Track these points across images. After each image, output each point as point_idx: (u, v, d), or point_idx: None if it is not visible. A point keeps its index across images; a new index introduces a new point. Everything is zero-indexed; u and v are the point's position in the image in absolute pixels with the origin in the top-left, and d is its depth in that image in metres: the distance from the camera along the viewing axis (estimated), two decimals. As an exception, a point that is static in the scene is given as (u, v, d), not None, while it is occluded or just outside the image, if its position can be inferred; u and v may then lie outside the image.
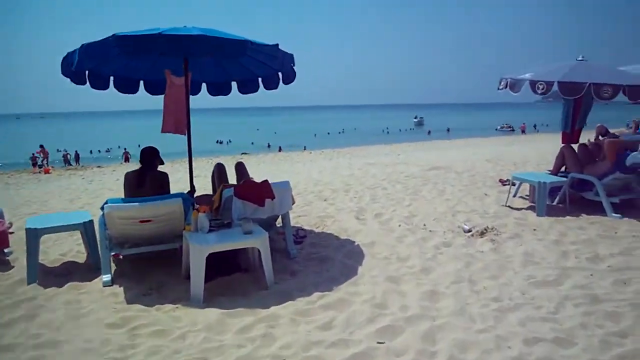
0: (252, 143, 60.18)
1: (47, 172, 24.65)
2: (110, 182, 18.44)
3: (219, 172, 7.37)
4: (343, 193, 10.97)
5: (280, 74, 7.68)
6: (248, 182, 6.27)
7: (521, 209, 8.79)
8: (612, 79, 8.45)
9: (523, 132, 62.48)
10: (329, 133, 78.35)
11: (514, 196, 9.75)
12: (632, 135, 14.87)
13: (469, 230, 7.46)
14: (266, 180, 6.13)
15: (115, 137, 75.07)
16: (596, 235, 7.10)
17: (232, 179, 7.26)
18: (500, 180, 11.62)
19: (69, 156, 43.46)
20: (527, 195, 9.69)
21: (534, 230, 7.45)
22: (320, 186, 12.16)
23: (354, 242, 7.13)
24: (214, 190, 7.27)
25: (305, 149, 42.97)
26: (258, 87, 8.27)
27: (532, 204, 8.99)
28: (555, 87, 8.43)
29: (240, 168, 7.40)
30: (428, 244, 6.90)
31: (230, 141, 63.83)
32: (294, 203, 6.80)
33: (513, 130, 69.97)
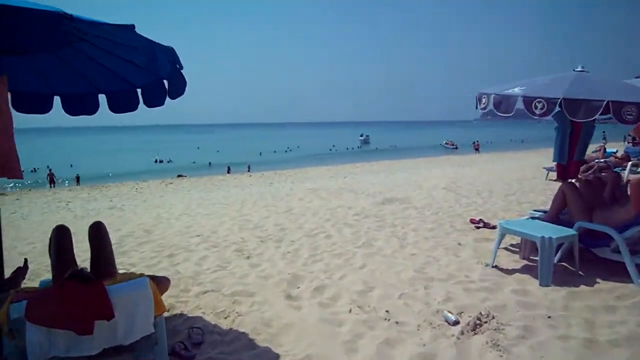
0: (194, 162, 56.59)
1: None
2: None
3: (57, 242, 4.48)
4: (274, 244, 8.13)
5: (165, 83, 4.88)
6: (65, 285, 3.31)
7: (514, 271, 6.28)
8: (631, 96, 6.13)
9: (477, 150, 60.39)
10: (275, 151, 75.51)
11: (497, 247, 7.30)
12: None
13: (456, 322, 4.82)
14: (99, 283, 3.25)
15: (46, 156, 69.16)
16: (637, 324, 4.66)
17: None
18: (472, 221, 9.17)
19: None
20: (512, 246, 7.28)
21: (548, 317, 4.90)
22: (246, 232, 9.29)
23: (277, 355, 4.33)
24: (55, 276, 4.39)
25: (249, 170, 40.07)
26: (137, 102, 5.40)
27: (526, 262, 6.56)
28: (556, 107, 6.07)
29: (93, 234, 4.55)
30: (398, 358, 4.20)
31: (170, 160, 59.76)
32: (164, 311, 3.92)
33: (456, 148, 69.64)
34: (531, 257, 6.77)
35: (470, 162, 33.09)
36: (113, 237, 9.91)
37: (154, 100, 5.20)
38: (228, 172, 39.04)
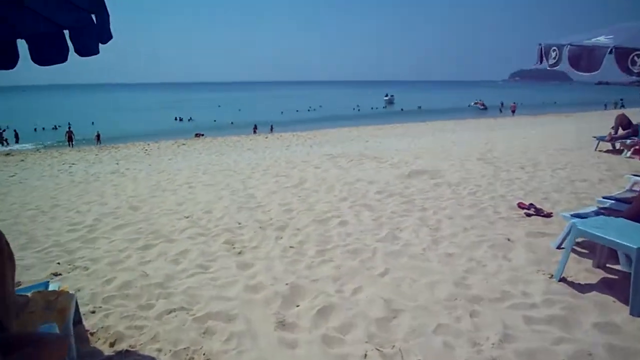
0: (215, 121, 54.99)
1: None
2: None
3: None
4: (275, 233, 6.51)
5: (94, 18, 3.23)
6: None
7: (589, 287, 4.57)
8: None
9: (513, 112, 55.52)
10: (297, 110, 73.25)
11: (558, 247, 5.59)
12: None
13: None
14: None
15: (68, 113, 68.44)
16: None
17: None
18: (521, 206, 7.41)
19: (3, 134, 37.34)
20: (577, 245, 5.57)
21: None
22: (245, 213, 7.68)
23: None
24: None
25: (272, 130, 38.10)
26: (67, 50, 3.75)
27: (602, 273, 4.86)
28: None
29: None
30: None
31: (191, 119, 58.30)
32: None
33: (486, 108, 66.27)
34: (608, 265, 5.07)
35: (502, 125, 30.66)
36: (94, 213, 8.74)
37: (88, 45, 3.55)
38: (254, 132, 37.21)
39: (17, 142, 37.79)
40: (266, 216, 7.40)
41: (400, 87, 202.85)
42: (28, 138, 39.39)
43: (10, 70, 4.01)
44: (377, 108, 76.61)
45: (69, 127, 39.50)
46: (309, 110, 74.61)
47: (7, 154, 21.92)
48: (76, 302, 3.96)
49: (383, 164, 12.77)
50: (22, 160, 19.55)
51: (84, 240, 6.49)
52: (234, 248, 5.95)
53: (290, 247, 5.91)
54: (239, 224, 7.01)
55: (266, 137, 27.21)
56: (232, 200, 8.73)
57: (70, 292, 3.90)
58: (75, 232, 6.94)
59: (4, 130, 38.97)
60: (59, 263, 5.60)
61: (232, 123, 51.56)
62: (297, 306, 4.39)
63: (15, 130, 39.43)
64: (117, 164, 17.68)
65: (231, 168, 14.51)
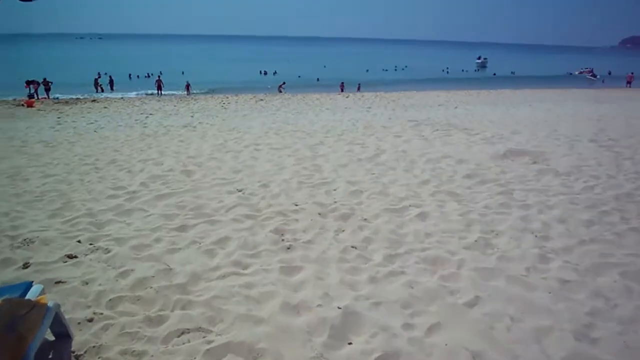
0: (299, 76, 53.87)
1: (29, 104, 19.96)
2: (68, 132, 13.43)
3: None
4: (336, 224, 5.23)
5: None
6: None
7: None
8: None
9: (629, 84, 44.61)
10: (385, 69, 70.27)
11: None
12: None
13: None
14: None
15: (158, 63, 70.23)
16: None
17: None
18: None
19: (99, 81, 38.51)
20: None
21: None
22: (306, 191, 6.47)
23: None
24: None
25: (359, 89, 36.02)
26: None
27: None
28: None
29: None
30: None
31: (275, 72, 57.61)
32: None
33: (595, 77, 59.43)
34: None
35: (614, 99, 26.87)
36: (145, 175, 7.98)
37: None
38: (342, 90, 35.55)
39: (111, 89, 38.87)
40: (329, 198, 6.17)
41: (492, 49, 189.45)
42: (122, 86, 40.47)
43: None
44: (467, 71, 71.86)
45: (159, 76, 40.09)
46: (395, 70, 71.48)
47: (94, 101, 22.20)
48: (60, 314, 3.01)
49: (474, 138, 11.04)
50: (105, 108, 19.64)
51: (119, 212, 5.64)
52: (282, 240, 4.81)
53: (352, 247, 4.66)
54: (296, 205, 5.84)
55: (347, 97, 25.64)
56: (294, 172, 7.59)
57: (50, 304, 2.93)
58: (114, 200, 6.13)
59: (99, 77, 40.16)
60: (79, 241, 4.75)
61: (318, 80, 50.05)
62: (349, 344, 3.18)
63: (110, 77, 40.49)
64: (192, 116, 17.16)
65: (305, 129, 13.37)
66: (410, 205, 5.85)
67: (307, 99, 23.96)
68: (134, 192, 6.47)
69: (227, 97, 23.86)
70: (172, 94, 31.94)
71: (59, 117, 16.74)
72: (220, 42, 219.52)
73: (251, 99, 23.39)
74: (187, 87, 35.67)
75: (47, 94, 27.78)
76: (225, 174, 7.54)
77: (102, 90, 37.50)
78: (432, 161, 8.29)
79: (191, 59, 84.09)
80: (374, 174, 7.43)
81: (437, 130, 12.67)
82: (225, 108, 19.80)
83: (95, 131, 13.73)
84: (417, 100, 23.79)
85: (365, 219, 5.38)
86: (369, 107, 20.32)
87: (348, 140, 10.95)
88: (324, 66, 72.65)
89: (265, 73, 57.86)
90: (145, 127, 14.51)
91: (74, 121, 15.94)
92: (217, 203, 5.94)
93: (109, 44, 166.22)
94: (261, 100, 22.92)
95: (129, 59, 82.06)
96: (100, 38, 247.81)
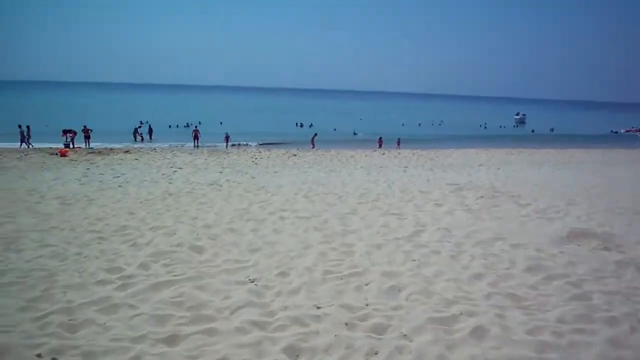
0: (335, 129, 53.62)
1: (63, 154, 19.78)
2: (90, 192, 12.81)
3: None
4: (366, 343, 3.96)
5: None
6: None
7: None
8: None
9: None
10: (420, 124, 69.56)
11: None
12: None
13: None
14: None
15: (194, 113, 71.58)
16: None
17: None
18: None
19: (139, 130, 38.83)
20: None
21: None
22: (331, 285, 5.28)
23: None
24: None
25: (399, 145, 34.19)
26: None
27: None
28: None
29: None
30: None
31: (311, 125, 57.63)
32: None
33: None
34: None
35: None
36: (149, 250, 6.65)
37: None
38: (380, 146, 34.09)
39: (150, 138, 39.10)
40: (360, 297, 4.97)
41: (529, 105, 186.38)
42: (161, 135, 40.74)
43: None
44: (505, 127, 70.26)
45: (196, 127, 40.33)
46: (432, 125, 70.64)
47: (126, 152, 21.93)
48: None
49: (525, 210, 9.72)
50: (136, 160, 19.23)
51: (102, 307, 4.60)
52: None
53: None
54: (318, 309, 4.66)
55: (383, 154, 24.57)
56: (320, 254, 6.46)
57: None
58: (102, 287, 5.12)
59: (140, 127, 40.59)
60: (39, 355, 3.70)
61: (355, 134, 49.22)
62: None
63: (150, 127, 40.88)
64: (221, 172, 16.41)
65: (337, 191, 12.34)
66: (461, 313, 4.59)
67: (341, 155, 23.07)
68: (129, 276, 5.45)
69: (260, 152, 23.23)
70: (214, 146, 31.06)
71: (88, 169, 16.31)
72: (259, 94, 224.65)
73: (284, 154, 22.66)
74: (227, 138, 34.82)
75: (87, 142, 27.95)
76: (240, 253, 6.48)
77: (142, 139, 37.81)
78: (483, 244, 7.02)
79: (229, 109, 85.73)
80: (414, 260, 6.21)
81: (482, 197, 11.41)
82: (256, 164, 19.07)
83: (119, 186, 13.08)
84: (456, 159, 22.55)
85: (404, 335, 4.15)
86: (406, 167, 19.20)
87: (383, 208, 9.83)
88: (360, 119, 72.73)
89: (302, 125, 57.97)
90: (170, 183, 13.79)
91: (101, 174, 15.44)
92: (222, 300, 4.84)
93: (150, 93, 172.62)
94: (294, 155, 22.17)
95: (170, 108, 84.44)
96: (141, 86, 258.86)
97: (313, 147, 31.99)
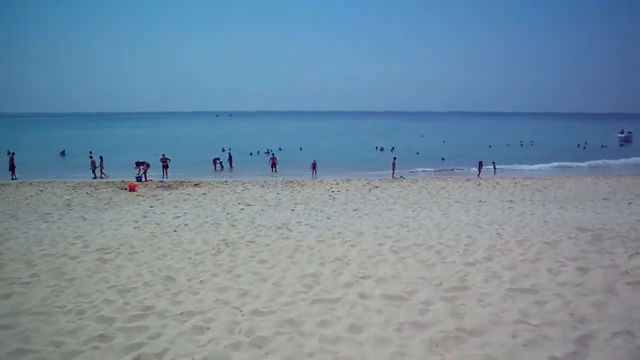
0: (417, 153, 50.13)
1: (131, 189, 18.53)
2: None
3: None
4: None
5: None
6: None
7: None
8: None
9: None
10: (508, 145, 63.91)
11: None
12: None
13: None
14: None
15: (275, 138, 70.86)
16: None
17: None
18: None
19: (218, 160, 37.73)
20: None
21: None
22: None
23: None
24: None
25: (495, 170, 30.51)
26: None
27: None
28: None
29: None
30: None
31: (393, 149, 54.53)
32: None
33: None
34: None
35: None
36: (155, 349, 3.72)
37: None
38: (479, 172, 29.60)
39: (231, 166, 37.93)
40: None
41: (633, 121, 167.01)
42: (241, 163, 39.57)
43: None
44: (607, 147, 62.54)
45: (273, 154, 38.86)
46: (521, 145, 64.67)
47: (196, 185, 20.30)
48: None
49: None
50: (204, 194, 17.48)
51: None
52: None
53: None
54: None
55: (479, 184, 21.05)
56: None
57: None
58: None
59: (219, 157, 39.61)
60: None
61: (443, 159, 44.17)
62: None
63: (230, 154, 39.80)
64: (293, 210, 14.10)
65: (432, 242, 9.54)
66: None
67: (430, 186, 19.91)
68: None
69: (337, 183, 20.64)
70: (295, 177, 27.48)
71: (151, 207, 14.73)
72: (332, 118, 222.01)
73: (364, 185, 19.94)
74: (314, 166, 30.07)
75: (165, 172, 27.09)
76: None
77: (222, 168, 36.77)
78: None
79: (309, 135, 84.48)
80: None
81: (638, 253, 8.11)
82: (333, 198, 16.59)
83: (175, 231, 11.17)
84: (570, 191, 18.64)
85: None
86: (511, 202, 15.80)
87: (505, 277, 6.92)
88: (443, 142, 68.32)
89: (382, 149, 54.96)
90: (233, 225, 11.67)
91: (162, 213, 13.72)
92: None
93: (236, 120, 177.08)
94: (376, 187, 19.38)
95: (254, 135, 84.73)
96: (230, 115, 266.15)
97: (393, 173, 28.91)
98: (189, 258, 8.53)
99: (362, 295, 6.24)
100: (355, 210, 13.99)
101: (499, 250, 8.90)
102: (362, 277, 7.15)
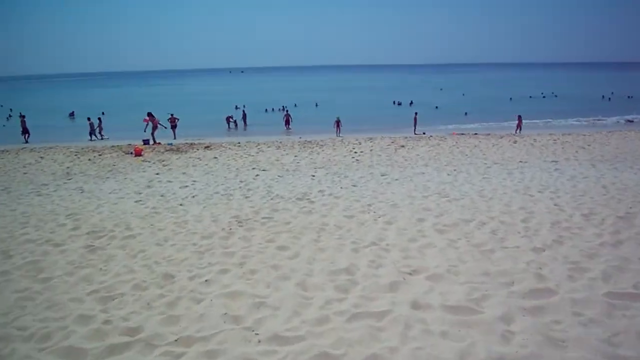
0: (437, 107, 47.62)
1: (137, 153, 16.93)
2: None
3: None
4: None
5: None
6: None
7: None
8: None
9: None
10: (530, 97, 60.49)
11: None
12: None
13: None
14: None
15: (287, 94, 68.20)
16: None
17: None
18: None
19: (231, 118, 35.85)
20: None
21: None
22: None
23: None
24: None
25: (520, 127, 26.55)
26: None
27: None
28: None
29: None
30: None
31: (412, 103, 51.90)
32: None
33: None
34: None
35: None
36: None
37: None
38: (519, 129, 25.19)
39: (245, 124, 36.05)
40: None
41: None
42: (256, 120, 37.53)
43: None
44: (632, 97, 58.62)
45: (287, 110, 36.83)
46: (543, 97, 61.08)
47: (207, 147, 18.50)
48: None
49: None
50: (215, 158, 15.75)
51: None
52: None
53: None
54: None
55: (514, 142, 18.93)
56: None
57: None
58: None
59: (232, 115, 37.57)
60: None
61: (466, 114, 41.42)
62: None
63: (244, 112, 37.79)
64: (314, 176, 12.44)
65: (482, 216, 7.93)
66: None
67: (460, 144, 17.98)
68: None
69: (359, 143, 18.75)
70: (319, 140, 24.01)
71: (157, 174, 13.20)
72: (350, 72, 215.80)
73: (389, 145, 18.03)
74: (337, 123, 27.64)
75: (174, 132, 25.47)
76: None
77: (236, 126, 34.99)
78: None
79: (323, 90, 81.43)
80: None
81: None
82: (357, 160, 14.84)
83: (180, 204, 9.66)
84: (617, 148, 16.59)
85: None
86: (555, 162, 13.93)
87: (596, 275, 5.28)
88: (463, 94, 65.24)
89: (400, 104, 52.41)
90: (246, 197, 10.12)
91: (169, 181, 12.19)
92: None
93: (249, 76, 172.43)
94: (402, 147, 17.50)
95: (268, 91, 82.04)
96: (242, 72, 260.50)
97: (415, 129, 26.87)
98: (194, 244, 7.02)
99: (415, 305, 4.67)
100: (383, 175, 12.29)
101: (566, 228, 7.25)
102: (409, 273, 5.58)
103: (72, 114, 43.60)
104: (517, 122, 24.74)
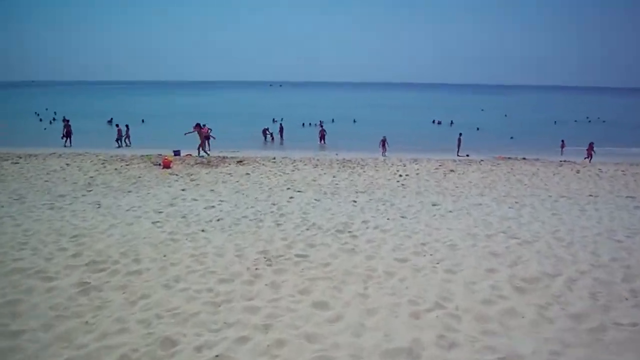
0: (478, 129, 45.28)
1: (166, 165, 15.61)
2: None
3: None
4: None
5: None
6: None
7: None
8: None
9: None
10: (576, 121, 57.30)
11: None
12: None
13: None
14: None
15: (323, 109, 66.98)
16: None
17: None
18: None
19: (268, 131, 34.60)
20: None
21: None
22: None
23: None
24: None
25: (591, 155, 22.59)
26: None
27: None
28: None
29: None
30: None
31: (452, 123, 49.70)
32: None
33: None
34: None
35: None
36: None
37: None
38: (589, 157, 21.85)
39: (281, 137, 34.78)
40: None
41: None
42: (294, 135, 36.18)
43: None
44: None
45: (321, 125, 35.38)
46: (589, 122, 57.77)
47: (240, 162, 17.10)
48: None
49: None
50: (247, 174, 14.34)
51: None
52: None
53: None
54: None
55: (577, 172, 16.54)
56: None
57: None
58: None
59: (271, 127, 36.35)
60: None
61: (512, 138, 36.20)
62: None
63: (281, 125, 36.58)
64: (355, 201, 10.86)
65: (565, 265, 6.16)
66: None
67: (516, 171, 15.89)
68: None
69: (404, 165, 16.96)
70: (359, 158, 21.12)
71: (183, 190, 11.90)
72: (386, 89, 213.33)
73: (437, 168, 16.18)
74: (383, 142, 24.98)
75: (207, 144, 24.39)
76: None
77: (272, 140, 33.78)
78: None
79: (360, 107, 79.79)
80: None
81: None
82: (402, 185, 13.11)
83: (203, 230, 8.25)
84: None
85: None
86: (632, 198, 11.90)
87: None
88: (505, 115, 62.46)
89: (440, 123, 50.32)
90: (278, 225, 8.63)
91: (194, 199, 10.84)
92: None
93: (288, 91, 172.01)
94: (451, 171, 15.63)
95: (307, 105, 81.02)
96: (280, 86, 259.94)
97: (458, 150, 24.97)
98: (209, 289, 5.54)
99: None
100: (434, 205, 10.58)
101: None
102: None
103: (110, 121, 43.51)
104: (587, 149, 21.89)
